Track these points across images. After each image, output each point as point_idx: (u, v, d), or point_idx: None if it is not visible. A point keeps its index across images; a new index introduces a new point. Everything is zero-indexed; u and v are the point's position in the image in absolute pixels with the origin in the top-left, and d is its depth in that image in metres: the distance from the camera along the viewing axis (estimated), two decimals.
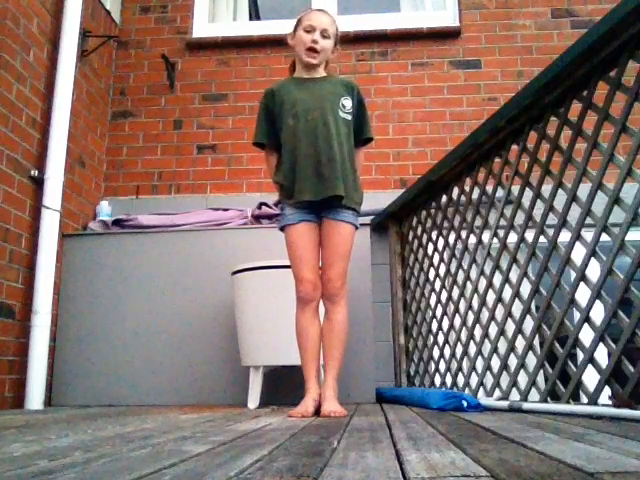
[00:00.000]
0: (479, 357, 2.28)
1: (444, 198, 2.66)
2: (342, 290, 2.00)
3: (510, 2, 3.58)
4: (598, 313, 1.68)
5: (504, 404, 1.87)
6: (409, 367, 2.92)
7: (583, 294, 1.71)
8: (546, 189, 1.96)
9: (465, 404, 1.83)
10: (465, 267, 2.43)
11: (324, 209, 2.02)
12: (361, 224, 2.22)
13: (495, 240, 2.20)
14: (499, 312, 2.15)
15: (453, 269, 2.54)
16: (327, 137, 1.97)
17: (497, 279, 2.18)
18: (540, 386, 1.88)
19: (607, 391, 1.61)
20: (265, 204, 3.05)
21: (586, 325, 1.70)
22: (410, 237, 2.99)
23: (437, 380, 2.58)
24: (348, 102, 2.04)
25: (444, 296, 2.59)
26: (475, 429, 1.25)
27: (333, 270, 1.99)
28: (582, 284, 1.74)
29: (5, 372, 2.49)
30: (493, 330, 2.16)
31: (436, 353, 2.64)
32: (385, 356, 2.96)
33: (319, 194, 1.96)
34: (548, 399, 1.83)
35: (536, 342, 1.96)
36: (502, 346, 2.11)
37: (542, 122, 1.99)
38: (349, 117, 2.04)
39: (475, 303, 2.33)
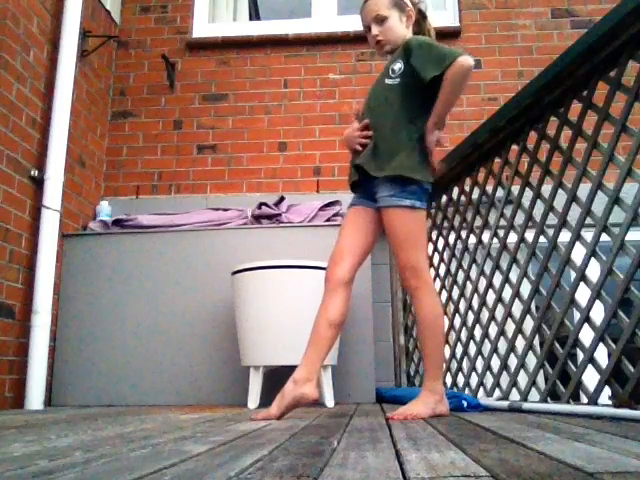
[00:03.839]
0: (479, 357, 2.28)
1: (444, 198, 2.66)
2: (413, 281, 1.73)
3: (510, 2, 3.58)
4: (598, 313, 1.68)
5: (504, 404, 1.87)
6: (409, 367, 2.92)
7: (583, 294, 1.71)
8: (546, 189, 1.96)
9: (465, 404, 1.83)
10: (465, 267, 2.43)
11: (375, 193, 1.78)
12: None
13: (495, 240, 2.20)
14: (499, 312, 2.16)
15: (453, 269, 2.54)
16: (370, 115, 1.83)
17: (497, 279, 2.18)
18: (540, 386, 1.88)
19: (607, 391, 1.61)
20: (265, 204, 3.05)
21: (586, 325, 1.70)
22: None
23: None
24: (397, 65, 1.79)
25: (444, 296, 2.59)
26: (475, 429, 1.25)
27: (396, 263, 1.82)
28: (582, 284, 1.74)
29: (5, 372, 2.49)
30: (493, 330, 2.16)
31: None
32: (385, 356, 2.96)
33: (355, 174, 1.82)
34: (548, 399, 1.83)
35: (536, 342, 1.96)
36: (502, 346, 2.11)
37: (542, 122, 1.99)
38: (397, 81, 1.77)
39: (475, 303, 2.33)
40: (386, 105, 1.79)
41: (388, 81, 1.80)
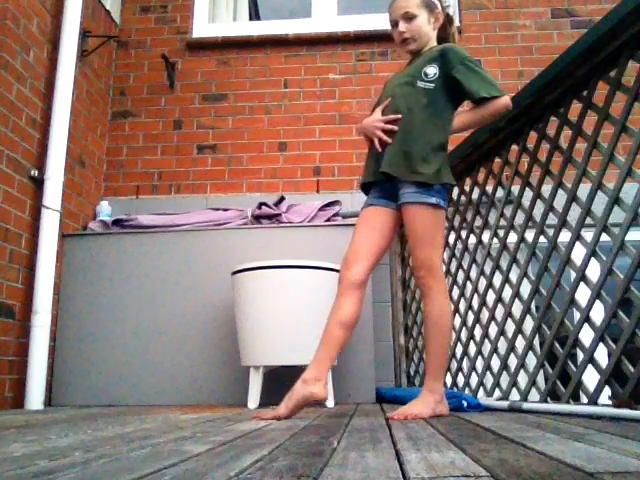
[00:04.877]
0: (479, 357, 2.28)
1: None
2: (427, 279, 1.72)
3: (510, 2, 3.58)
4: (598, 313, 1.68)
5: (504, 404, 1.87)
6: (409, 367, 2.92)
7: (583, 294, 1.71)
8: (546, 189, 1.96)
9: (465, 404, 1.83)
10: (465, 267, 2.43)
11: (396, 193, 1.77)
12: None
13: (495, 240, 2.20)
14: (499, 312, 2.16)
15: (453, 269, 2.54)
16: (395, 113, 1.81)
17: (497, 279, 2.18)
18: (540, 386, 1.88)
19: (607, 391, 1.61)
20: (265, 204, 3.05)
21: (586, 325, 1.70)
22: None
23: None
24: (432, 69, 1.78)
25: None
26: (475, 429, 1.25)
27: (412, 260, 1.80)
28: (582, 284, 1.74)
29: (5, 372, 2.49)
30: (493, 330, 2.16)
31: None
32: (385, 356, 2.96)
33: (374, 174, 1.82)
34: (548, 399, 1.83)
35: (536, 342, 1.96)
36: (502, 346, 2.11)
37: (542, 122, 1.99)
38: (431, 86, 1.77)
39: (475, 303, 2.33)
40: (419, 107, 1.78)
41: (420, 84, 1.79)
